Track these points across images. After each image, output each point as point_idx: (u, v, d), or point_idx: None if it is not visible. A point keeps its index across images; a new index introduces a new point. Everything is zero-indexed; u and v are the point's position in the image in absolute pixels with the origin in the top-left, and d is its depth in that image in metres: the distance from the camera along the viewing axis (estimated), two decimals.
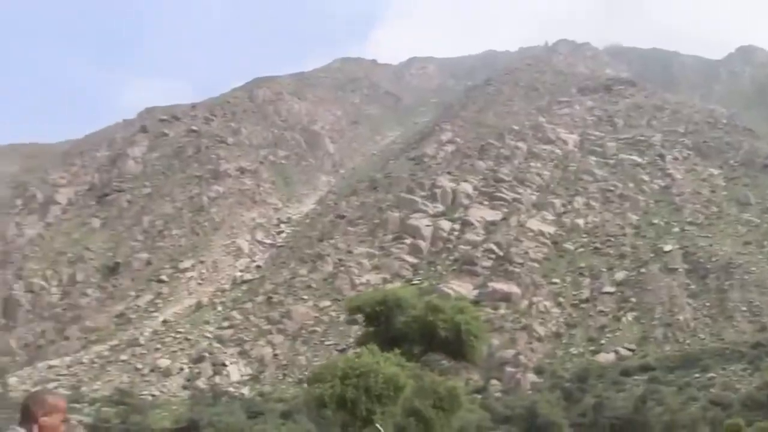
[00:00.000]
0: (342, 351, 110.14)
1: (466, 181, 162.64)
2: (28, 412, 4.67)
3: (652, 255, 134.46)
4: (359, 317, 48.62)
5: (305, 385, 52.71)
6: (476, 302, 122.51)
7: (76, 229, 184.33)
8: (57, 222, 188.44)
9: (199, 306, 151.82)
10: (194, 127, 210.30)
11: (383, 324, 45.33)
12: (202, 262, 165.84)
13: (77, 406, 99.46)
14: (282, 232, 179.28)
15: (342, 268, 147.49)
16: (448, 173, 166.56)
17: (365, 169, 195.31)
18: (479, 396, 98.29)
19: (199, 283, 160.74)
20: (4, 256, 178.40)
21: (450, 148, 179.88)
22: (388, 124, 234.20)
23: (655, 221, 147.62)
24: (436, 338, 43.20)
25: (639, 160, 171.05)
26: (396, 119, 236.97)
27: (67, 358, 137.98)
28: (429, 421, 37.54)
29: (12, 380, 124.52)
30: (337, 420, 36.11)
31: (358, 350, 43.57)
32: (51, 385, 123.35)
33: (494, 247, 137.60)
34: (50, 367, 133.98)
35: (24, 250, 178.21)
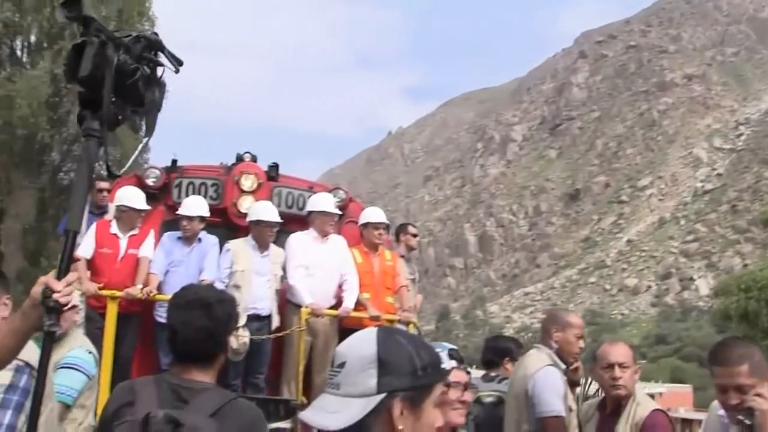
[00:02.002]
0: None
1: None
2: (544, 330, 4.77)
3: None
4: None
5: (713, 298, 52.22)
6: None
7: (534, 162, 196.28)
8: (516, 158, 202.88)
9: (661, 222, 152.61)
10: (632, 43, 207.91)
11: None
12: (660, 177, 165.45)
13: None
14: (741, 134, 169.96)
15: None
16: None
17: None
18: None
19: (660, 199, 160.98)
20: (474, 197, 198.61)
21: None
22: None
23: None
24: None
25: None
26: None
27: (540, 284, 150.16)
28: None
29: (493, 308, 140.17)
30: (739, 331, 37.18)
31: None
32: (527, 310, 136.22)
33: None
34: (526, 293, 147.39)
35: (490, 189, 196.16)
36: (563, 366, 4.62)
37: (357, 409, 1.62)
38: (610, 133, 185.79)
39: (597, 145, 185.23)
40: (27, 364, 2.86)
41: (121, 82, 2.54)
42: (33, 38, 23.11)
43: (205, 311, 2.65)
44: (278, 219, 7.05)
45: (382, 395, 1.63)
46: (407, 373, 1.65)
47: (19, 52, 23.50)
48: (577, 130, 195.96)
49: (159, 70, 2.64)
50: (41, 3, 21.47)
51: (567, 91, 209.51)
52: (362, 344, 1.63)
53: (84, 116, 2.56)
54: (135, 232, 7.02)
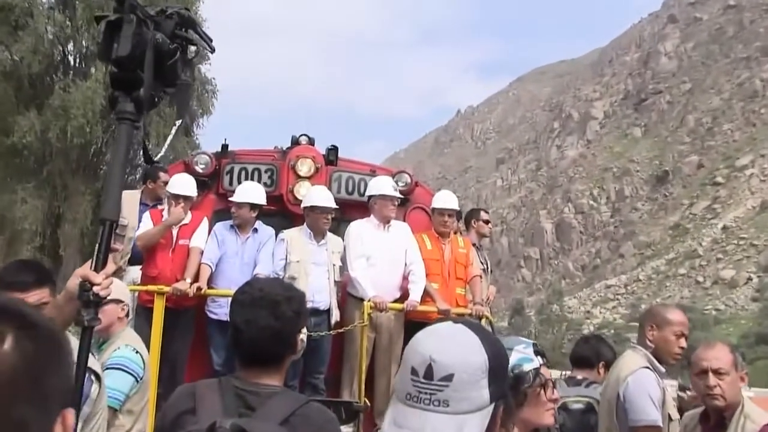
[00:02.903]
0: None
1: None
2: (640, 328, 4.65)
3: None
4: None
5: None
6: None
7: (616, 141, 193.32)
8: (596, 138, 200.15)
9: (763, 206, 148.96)
10: (731, 2, 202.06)
11: None
12: (762, 155, 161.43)
13: (636, 324, 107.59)
14: None
15: None
16: None
17: None
18: None
19: (762, 180, 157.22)
20: (551, 181, 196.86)
21: None
22: None
23: None
24: None
25: None
26: None
27: (624, 276, 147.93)
28: None
29: (571, 302, 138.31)
30: None
31: None
32: (609, 305, 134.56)
33: None
34: (607, 286, 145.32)
35: (568, 172, 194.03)
36: (662, 369, 4.48)
37: (477, 427, 1.60)
38: (703, 106, 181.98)
39: (688, 120, 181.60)
40: (88, 369, 2.85)
41: (160, 62, 2.59)
42: (84, 45, 24.85)
43: (272, 310, 2.65)
44: (333, 204, 7.10)
45: (492, 405, 1.63)
46: (506, 376, 1.68)
47: (71, 59, 25.27)
48: (666, 104, 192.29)
49: (190, 50, 2.79)
50: (92, 15, 23.07)
51: (654, 61, 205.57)
52: (467, 351, 1.62)
53: (117, 98, 2.60)
54: (186, 221, 7.16)
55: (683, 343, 4.55)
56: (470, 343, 1.64)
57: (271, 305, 2.66)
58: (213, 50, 2.76)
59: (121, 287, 4.76)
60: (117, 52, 2.52)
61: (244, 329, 2.65)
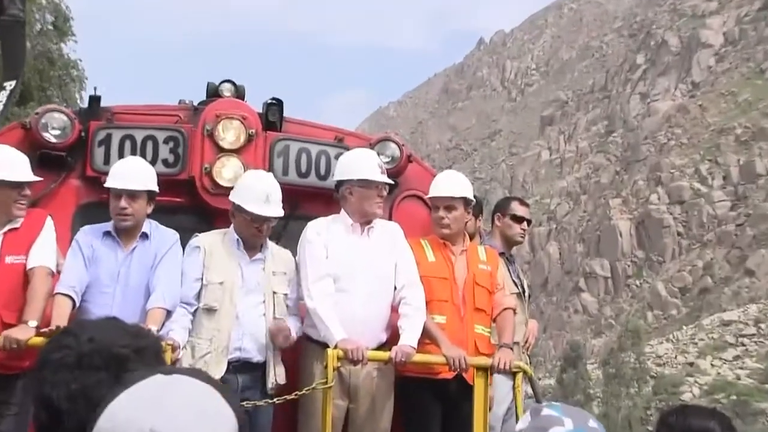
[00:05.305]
0: None
1: None
2: None
3: None
4: None
5: None
6: None
7: (744, 84, 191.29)
8: (708, 80, 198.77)
9: None
10: None
11: None
12: None
13: None
14: None
15: None
16: None
17: None
18: None
19: None
20: (629, 153, 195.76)
21: None
22: None
23: None
24: None
25: None
26: None
27: (755, 307, 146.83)
28: None
29: (663, 348, 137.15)
30: None
31: None
32: (729, 354, 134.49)
33: None
34: (725, 322, 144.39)
35: (659, 137, 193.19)
36: None
37: None
38: None
39: None
40: None
41: None
42: None
43: (115, 371, 2.37)
44: (279, 212, 7.07)
45: None
46: None
47: None
48: None
49: None
50: None
51: None
52: (209, 423, 1.78)
53: None
54: (16, 225, 6.87)
55: None
56: (213, 409, 1.75)
57: (111, 364, 2.40)
58: None
59: None
60: None
61: (68, 410, 2.36)
